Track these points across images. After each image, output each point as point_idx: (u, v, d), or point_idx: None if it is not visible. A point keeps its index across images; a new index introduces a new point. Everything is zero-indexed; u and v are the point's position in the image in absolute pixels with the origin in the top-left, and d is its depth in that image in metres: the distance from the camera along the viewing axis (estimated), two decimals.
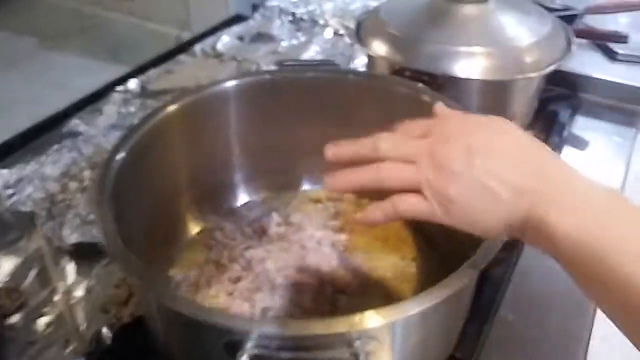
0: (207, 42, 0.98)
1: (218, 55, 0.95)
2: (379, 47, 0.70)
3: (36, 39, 1.78)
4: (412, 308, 0.35)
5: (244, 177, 0.63)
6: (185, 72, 0.90)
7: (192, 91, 0.57)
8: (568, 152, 0.75)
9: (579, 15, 0.90)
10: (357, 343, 0.34)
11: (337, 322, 0.34)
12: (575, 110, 0.82)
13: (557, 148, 0.74)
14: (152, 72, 0.89)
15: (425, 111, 0.57)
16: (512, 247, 0.57)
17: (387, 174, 0.36)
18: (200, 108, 0.56)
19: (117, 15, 2.18)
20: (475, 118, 0.38)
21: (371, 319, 0.34)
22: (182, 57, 0.94)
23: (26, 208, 0.63)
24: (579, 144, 0.77)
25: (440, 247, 0.56)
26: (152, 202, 0.53)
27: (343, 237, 0.58)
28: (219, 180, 0.61)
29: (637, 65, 0.86)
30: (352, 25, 1.00)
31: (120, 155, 0.48)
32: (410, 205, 0.35)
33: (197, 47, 0.96)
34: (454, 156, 0.34)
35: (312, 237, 0.58)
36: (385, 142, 0.37)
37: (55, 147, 0.72)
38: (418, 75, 0.63)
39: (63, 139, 0.74)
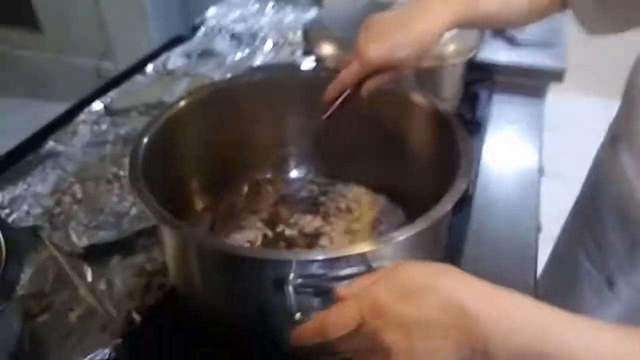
0: (157, 62, 1.04)
1: (170, 73, 1.02)
2: (327, 49, 0.81)
3: None
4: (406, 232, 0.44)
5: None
6: (144, 90, 0.97)
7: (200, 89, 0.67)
8: (494, 125, 0.90)
9: None
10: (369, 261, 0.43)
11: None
12: (492, 91, 0.97)
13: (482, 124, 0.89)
14: (112, 93, 0.94)
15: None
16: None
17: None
18: (210, 102, 0.65)
19: (26, 52, 2.16)
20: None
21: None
22: (137, 77, 1.00)
23: (28, 224, 0.68)
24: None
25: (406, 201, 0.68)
26: (166, 182, 0.58)
27: None
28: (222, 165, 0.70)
29: (533, 47, 1.04)
30: (289, 36, 1.11)
31: (144, 140, 0.55)
32: None
33: (149, 67, 1.02)
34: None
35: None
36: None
37: (39, 167, 0.76)
38: None
39: (44, 159, 0.78)
